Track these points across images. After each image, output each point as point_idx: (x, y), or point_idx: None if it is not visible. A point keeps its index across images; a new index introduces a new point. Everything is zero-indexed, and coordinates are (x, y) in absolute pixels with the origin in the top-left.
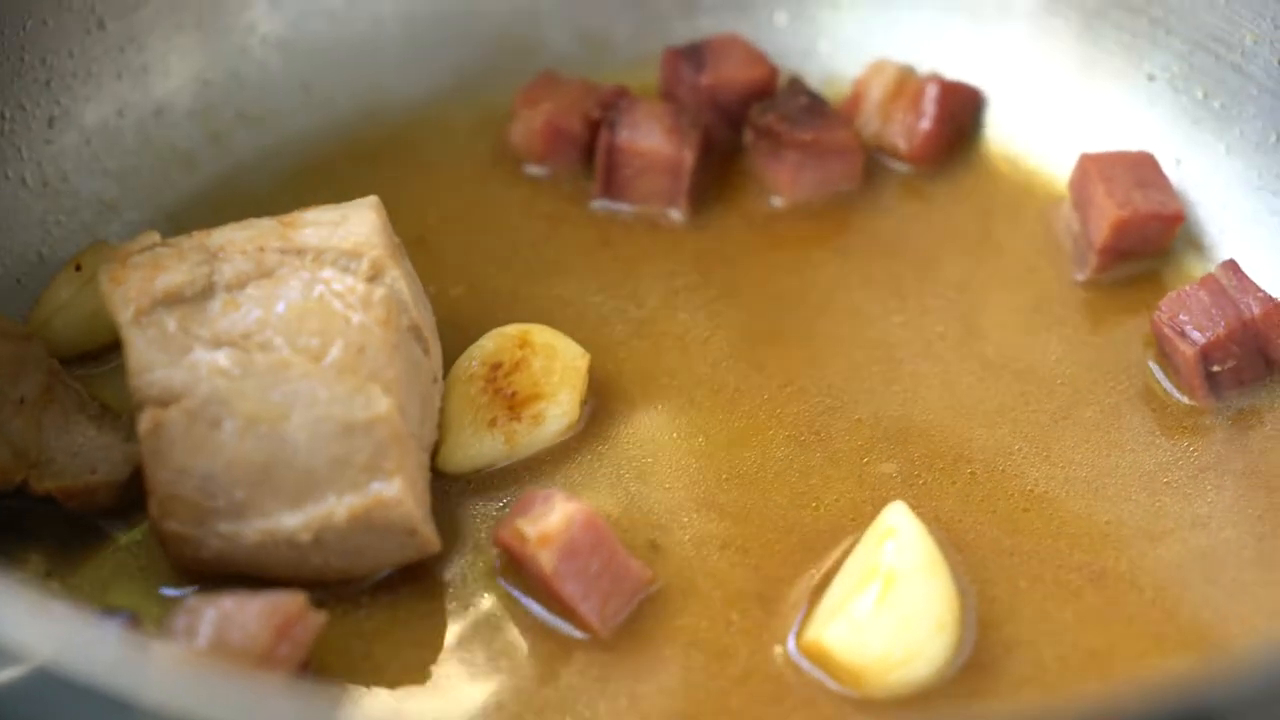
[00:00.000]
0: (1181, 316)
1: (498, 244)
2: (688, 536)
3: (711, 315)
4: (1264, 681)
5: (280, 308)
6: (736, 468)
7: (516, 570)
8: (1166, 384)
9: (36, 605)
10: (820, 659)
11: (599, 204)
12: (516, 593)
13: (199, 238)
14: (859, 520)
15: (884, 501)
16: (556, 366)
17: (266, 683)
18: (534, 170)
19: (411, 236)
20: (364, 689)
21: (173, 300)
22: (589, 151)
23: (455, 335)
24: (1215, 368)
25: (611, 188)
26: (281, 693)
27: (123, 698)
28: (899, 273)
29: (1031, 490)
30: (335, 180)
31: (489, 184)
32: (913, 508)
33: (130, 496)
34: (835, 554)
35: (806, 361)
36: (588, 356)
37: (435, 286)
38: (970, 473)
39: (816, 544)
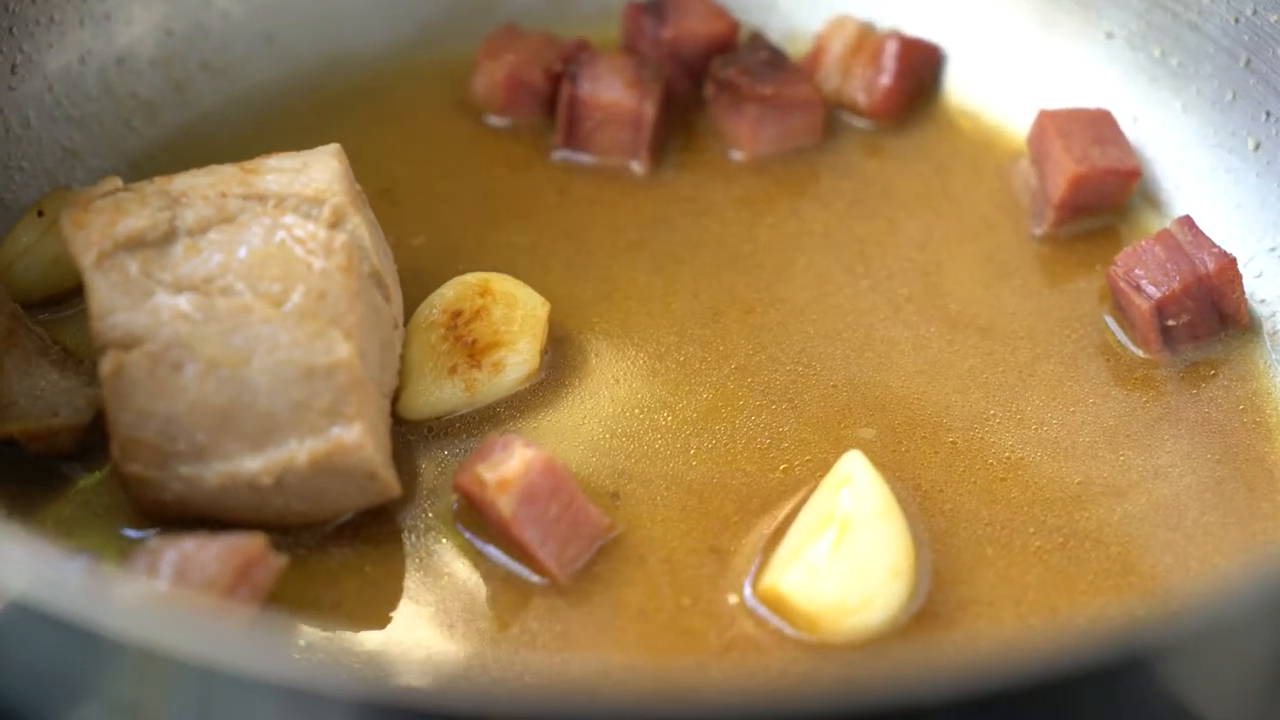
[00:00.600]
0: (1137, 271)
1: (460, 193)
2: (648, 490)
3: (677, 281)
4: (1196, 622)
5: (242, 253)
6: (704, 442)
7: (476, 515)
8: (1122, 337)
9: (6, 540)
10: (777, 605)
11: (560, 155)
12: (476, 538)
13: (161, 183)
14: None
15: None
16: (516, 315)
17: (248, 617)
18: (495, 121)
19: (374, 186)
20: (323, 632)
21: (135, 244)
22: (550, 103)
23: (417, 284)
24: (1170, 322)
25: (573, 140)
26: (264, 627)
27: (100, 631)
28: (861, 233)
29: (1008, 457)
30: (298, 130)
31: (451, 134)
32: (893, 474)
33: (92, 440)
34: (790, 505)
35: (776, 327)
36: (548, 305)
37: (397, 235)
38: (951, 442)
39: (779, 502)
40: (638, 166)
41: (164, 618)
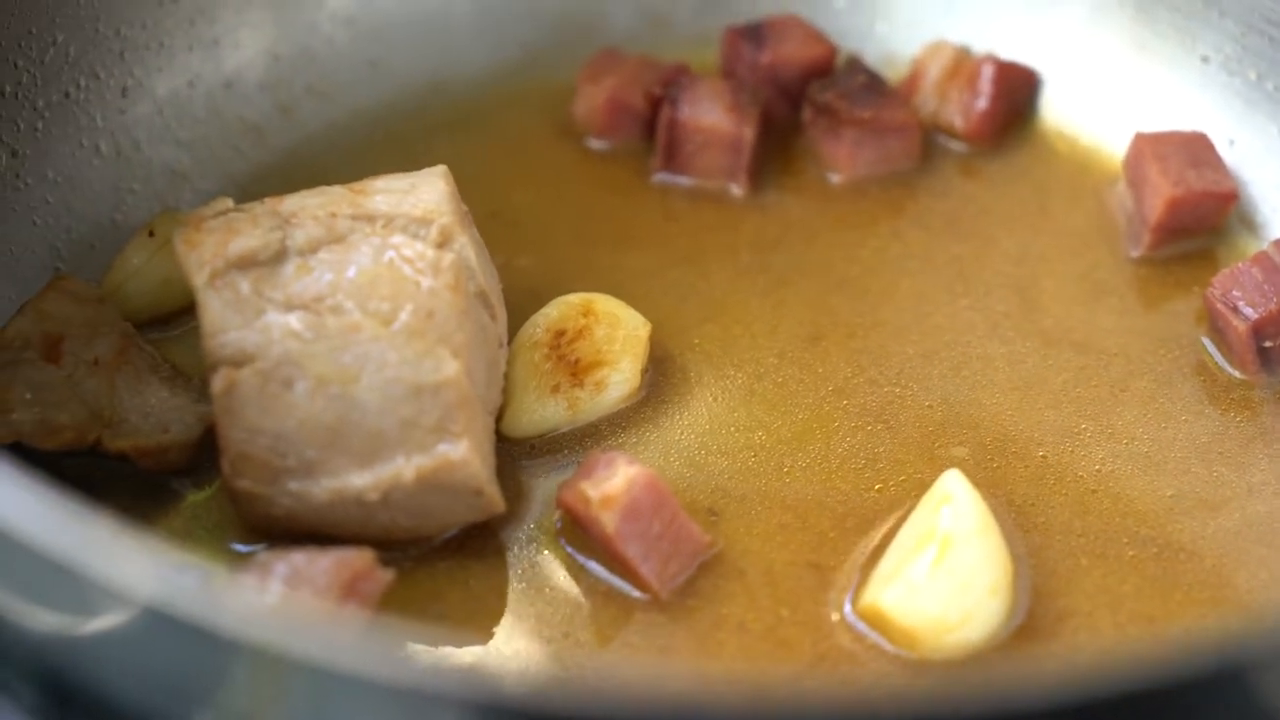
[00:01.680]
0: (1234, 292)
1: (564, 215)
2: (745, 507)
3: (778, 303)
4: None
5: (351, 272)
6: (799, 460)
7: (579, 532)
8: (1219, 358)
9: (137, 547)
10: (877, 622)
11: (660, 178)
12: (578, 554)
13: (271, 204)
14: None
15: None
16: (619, 335)
17: (362, 623)
18: (596, 144)
19: (481, 208)
20: (429, 644)
21: (246, 264)
22: (650, 126)
23: (522, 304)
24: (1268, 343)
25: (672, 162)
26: (377, 631)
27: (223, 634)
28: (959, 254)
29: (1099, 470)
30: (402, 154)
31: (553, 157)
32: (986, 491)
33: (201, 457)
34: (887, 524)
35: (876, 350)
36: (649, 326)
37: (503, 256)
38: (1042, 455)
39: (877, 520)
40: (736, 189)
41: (285, 621)
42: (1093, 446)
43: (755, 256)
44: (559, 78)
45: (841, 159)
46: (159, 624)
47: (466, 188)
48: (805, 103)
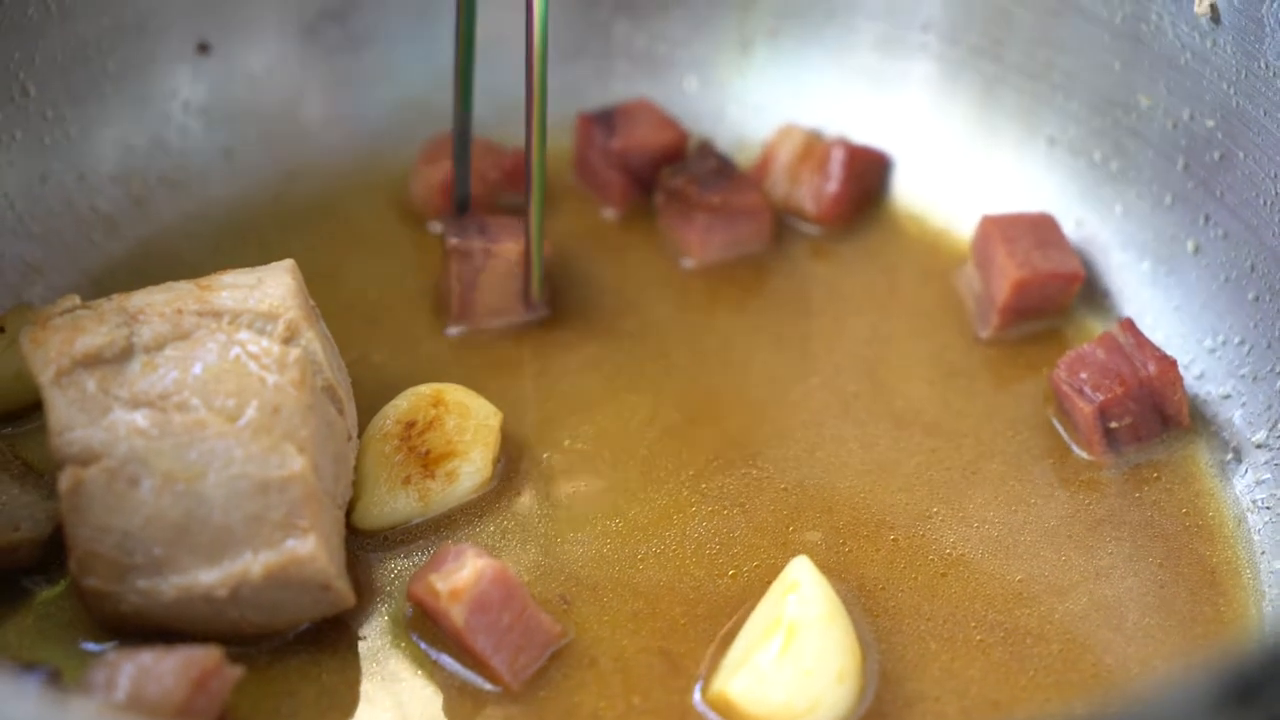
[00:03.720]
0: (1080, 374)
1: (417, 303)
2: (597, 595)
3: (635, 388)
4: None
5: (197, 369)
6: (653, 547)
7: (430, 624)
8: (1067, 439)
9: None
10: (726, 710)
11: None
12: (430, 648)
13: (119, 300)
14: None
15: None
16: (469, 425)
17: None
18: (437, 227)
19: (333, 301)
20: None
21: (92, 361)
22: (487, 207)
23: (377, 397)
24: (1113, 424)
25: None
26: None
27: None
28: (810, 332)
29: (949, 554)
30: (257, 243)
31: (406, 244)
32: (837, 575)
33: (52, 554)
34: (739, 610)
35: (737, 432)
36: (500, 415)
37: (357, 351)
38: (893, 539)
39: (727, 607)
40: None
41: None
42: (944, 530)
43: (613, 343)
44: (409, 166)
45: (694, 243)
46: None
47: (320, 281)
48: (657, 188)
